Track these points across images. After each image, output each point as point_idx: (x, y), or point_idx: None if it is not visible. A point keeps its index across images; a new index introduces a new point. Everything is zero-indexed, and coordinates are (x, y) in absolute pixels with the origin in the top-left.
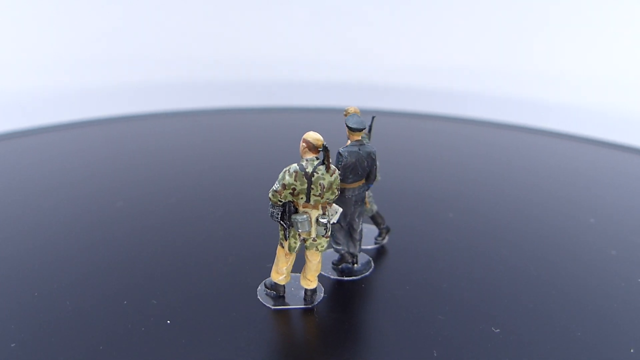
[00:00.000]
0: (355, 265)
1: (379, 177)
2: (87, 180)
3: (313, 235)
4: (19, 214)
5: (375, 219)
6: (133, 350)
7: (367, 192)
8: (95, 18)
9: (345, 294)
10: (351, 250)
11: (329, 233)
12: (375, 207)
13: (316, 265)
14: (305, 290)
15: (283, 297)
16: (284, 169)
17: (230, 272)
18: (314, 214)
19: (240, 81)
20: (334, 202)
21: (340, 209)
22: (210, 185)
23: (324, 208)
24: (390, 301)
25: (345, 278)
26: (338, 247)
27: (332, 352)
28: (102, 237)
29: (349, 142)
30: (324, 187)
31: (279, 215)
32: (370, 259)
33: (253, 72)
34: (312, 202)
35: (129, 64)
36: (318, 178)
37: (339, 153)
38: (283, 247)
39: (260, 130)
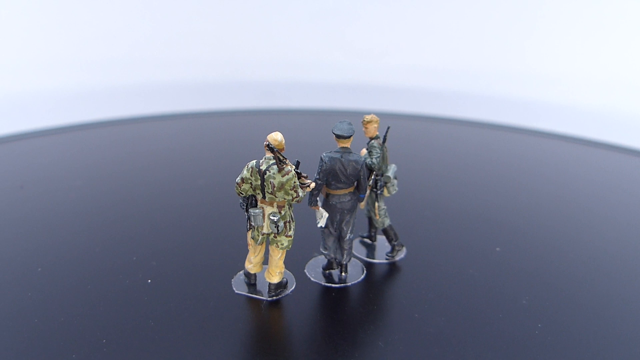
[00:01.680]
0: (344, 273)
1: (392, 191)
2: (90, 181)
3: (265, 230)
4: (12, 217)
5: (387, 234)
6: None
7: (378, 204)
8: (93, 18)
9: (314, 297)
10: (337, 257)
11: (280, 231)
12: (387, 222)
13: (277, 261)
14: (269, 283)
15: (254, 285)
16: (246, 164)
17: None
18: (268, 210)
19: (240, 82)
20: (321, 208)
21: (326, 214)
22: (210, 184)
23: (279, 207)
24: (353, 315)
25: (323, 283)
26: (325, 252)
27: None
28: (101, 237)
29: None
30: (274, 186)
31: (244, 207)
32: (364, 269)
33: (252, 73)
34: (267, 199)
35: (126, 66)
36: (269, 176)
37: (321, 157)
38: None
39: (259, 132)
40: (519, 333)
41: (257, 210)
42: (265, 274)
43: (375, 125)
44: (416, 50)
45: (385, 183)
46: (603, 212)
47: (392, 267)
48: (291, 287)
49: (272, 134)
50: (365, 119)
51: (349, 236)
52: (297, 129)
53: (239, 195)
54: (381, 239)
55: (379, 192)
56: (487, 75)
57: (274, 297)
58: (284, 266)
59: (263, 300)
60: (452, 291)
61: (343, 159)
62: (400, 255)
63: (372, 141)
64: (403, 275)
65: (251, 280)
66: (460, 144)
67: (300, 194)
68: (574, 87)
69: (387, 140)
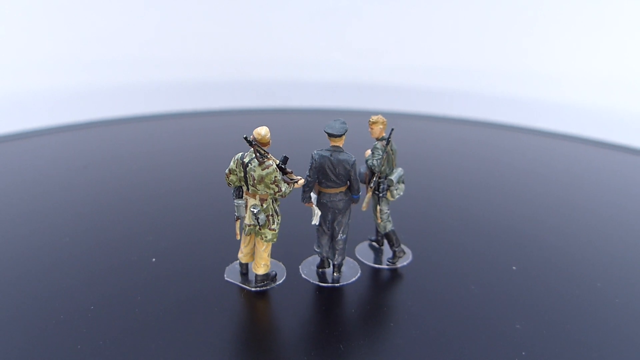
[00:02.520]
0: (336, 273)
1: (396, 195)
2: (91, 180)
3: (246, 221)
4: (10, 217)
5: (388, 238)
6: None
7: (381, 208)
8: (94, 18)
9: (298, 294)
10: (329, 256)
11: (262, 224)
12: (389, 226)
13: (261, 253)
14: (255, 274)
15: (245, 274)
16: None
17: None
18: (251, 202)
19: (240, 82)
20: (315, 206)
21: (319, 212)
22: (213, 182)
23: (262, 200)
24: (327, 315)
25: (312, 280)
26: (317, 250)
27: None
28: (102, 237)
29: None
30: (254, 179)
31: (234, 197)
32: (359, 271)
33: (252, 73)
34: (250, 191)
35: (126, 65)
36: (250, 169)
37: (312, 154)
38: None
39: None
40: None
41: (240, 201)
42: (252, 265)
43: (381, 127)
44: (416, 50)
45: (389, 186)
46: (618, 217)
47: (394, 273)
48: (279, 281)
49: (258, 128)
50: (371, 120)
51: (341, 236)
52: (298, 128)
53: (228, 185)
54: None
55: (381, 195)
56: (486, 74)
57: (258, 288)
58: (269, 259)
59: (245, 289)
60: (446, 301)
61: (332, 158)
62: (404, 261)
63: (376, 142)
64: (400, 281)
65: (243, 270)
66: (460, 143)
67: (283, 189)
68: (574, 86)
69: (391, 143)
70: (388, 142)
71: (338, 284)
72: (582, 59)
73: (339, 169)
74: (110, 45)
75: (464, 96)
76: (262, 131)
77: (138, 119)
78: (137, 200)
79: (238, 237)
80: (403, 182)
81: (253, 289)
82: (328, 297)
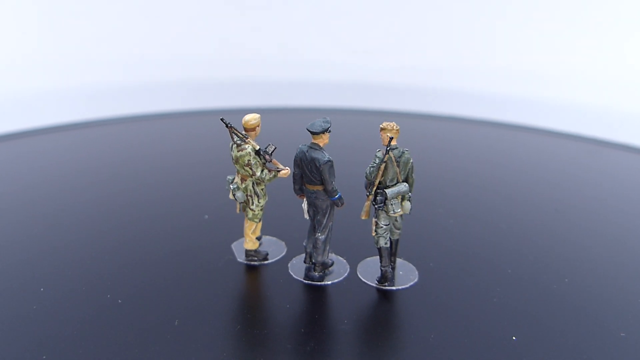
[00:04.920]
0: (317, 273)
1: (389, 210)
2: (94, 178)
3: (230, 197)
4: (13, 217)
5: (380, 255)
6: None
7: (377, 221)
8: (94, 17)
9: (269, 281)
10: (309, 251)
11: (240, 201)
12: (382, 242)
13: (246, 229)
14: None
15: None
16: None
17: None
18: (235, 179)
19: (239, 81)
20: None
21: (306, 206)
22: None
23: (242, 179)
24: (278, 311)
25: (290, 271)
26: (304, 244)
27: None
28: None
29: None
30: (232, 159)
31: None
32: (346, 272)
33: (252, 71)
34: (237, 170)
35: (129, 64)
36: (232, 150)
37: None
38: None
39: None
40: None
41: (229, 177)
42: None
43: (389, 134)
44: (416, 49)
45: (385, 199)
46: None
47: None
48: (262, 261)
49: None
50: (380, 126)
51: (319, 236)
52: (296, 127)
53: None
54: (399, 262)
55: (377, 207)
56: (485, 73)
57: (245, 261)
58: (252, 236)
59: (230, 258)
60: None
61: (307, 154)
62: (404, 284)
63: (378, 150)
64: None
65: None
66: (460, 142)
67: (258, 173)
68: (575, 85)
69: (395, 153)
70: (387, 151)
71: (321, 283)
72: (582, 57)
73: (311, 166)
74: (111, 44)
75: (461, 95)
76: (246, 117)
77: (141, 118)
78: (145, 193)
79: (237, 212)
80: (409, 200)
81: (240, 260)
82: (292, 291)
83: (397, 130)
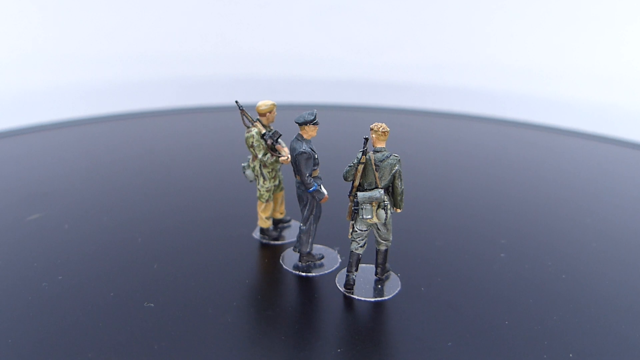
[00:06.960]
0: (300, 262)
1: (360, 215)
2: (96, 176)
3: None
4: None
5: (349, 259)
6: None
7: (353, 224)
8: (94, 16)
9: (259, 267)
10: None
11: (249, 180)
12: (353, 246)
13: (258, 208)
14: None
15: (280, 234)
16: None
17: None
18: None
19: (240, 79)
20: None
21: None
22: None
23: (253, 159)
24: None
25: (281, 261)
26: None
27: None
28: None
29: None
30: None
31: None
32: (338, 262)
33: (253, 69)
34: None
35: (129, 61)
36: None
37: None
38: None
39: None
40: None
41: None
42: None
43: (374, 136)
44: (415, 48)
45: (358, 203)
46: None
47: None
48: (272, 241)
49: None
50: (370, 126)
51: (301, 226)
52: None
53: None
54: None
55: (353, 209)
56: (485, 71)
57: (260, 238)
58: (262, 215)
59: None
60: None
61: (292, 144)
62: (387, 294)
63: (359, 151)
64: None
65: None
66: (458, 139)
67: (259, 155)
68: (574, 81)
69: (367, 154)
70: (363, 152)
71: (304, 274)
72: (581, 54)
73: (293, 156)
74: (111, 42)
75: (460, 93)
76: (261, 102)
77: (141, 115)
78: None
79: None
80: (384, 209)
81: (253, 235)
82: (275, 281)
83: (385, 132)
